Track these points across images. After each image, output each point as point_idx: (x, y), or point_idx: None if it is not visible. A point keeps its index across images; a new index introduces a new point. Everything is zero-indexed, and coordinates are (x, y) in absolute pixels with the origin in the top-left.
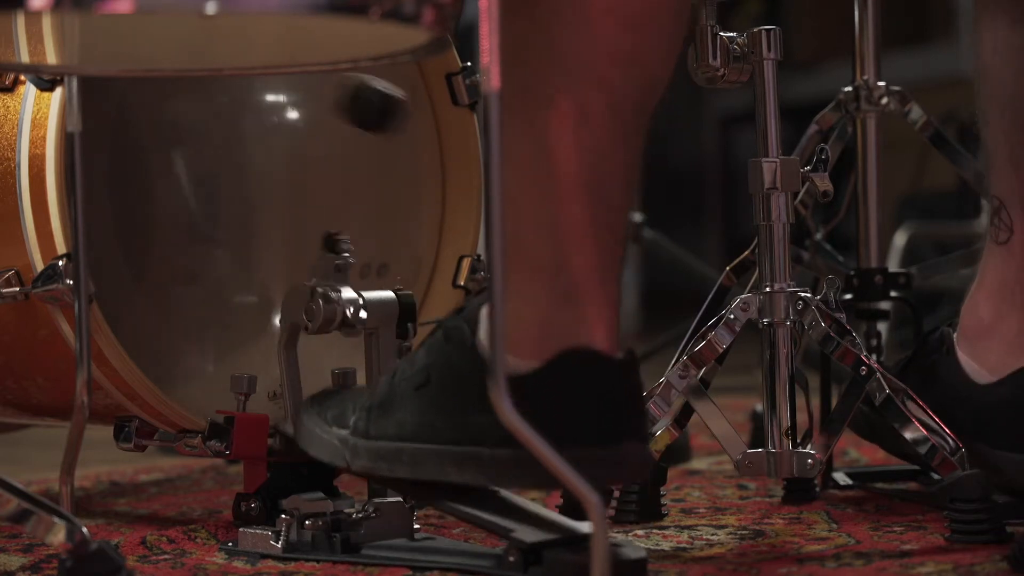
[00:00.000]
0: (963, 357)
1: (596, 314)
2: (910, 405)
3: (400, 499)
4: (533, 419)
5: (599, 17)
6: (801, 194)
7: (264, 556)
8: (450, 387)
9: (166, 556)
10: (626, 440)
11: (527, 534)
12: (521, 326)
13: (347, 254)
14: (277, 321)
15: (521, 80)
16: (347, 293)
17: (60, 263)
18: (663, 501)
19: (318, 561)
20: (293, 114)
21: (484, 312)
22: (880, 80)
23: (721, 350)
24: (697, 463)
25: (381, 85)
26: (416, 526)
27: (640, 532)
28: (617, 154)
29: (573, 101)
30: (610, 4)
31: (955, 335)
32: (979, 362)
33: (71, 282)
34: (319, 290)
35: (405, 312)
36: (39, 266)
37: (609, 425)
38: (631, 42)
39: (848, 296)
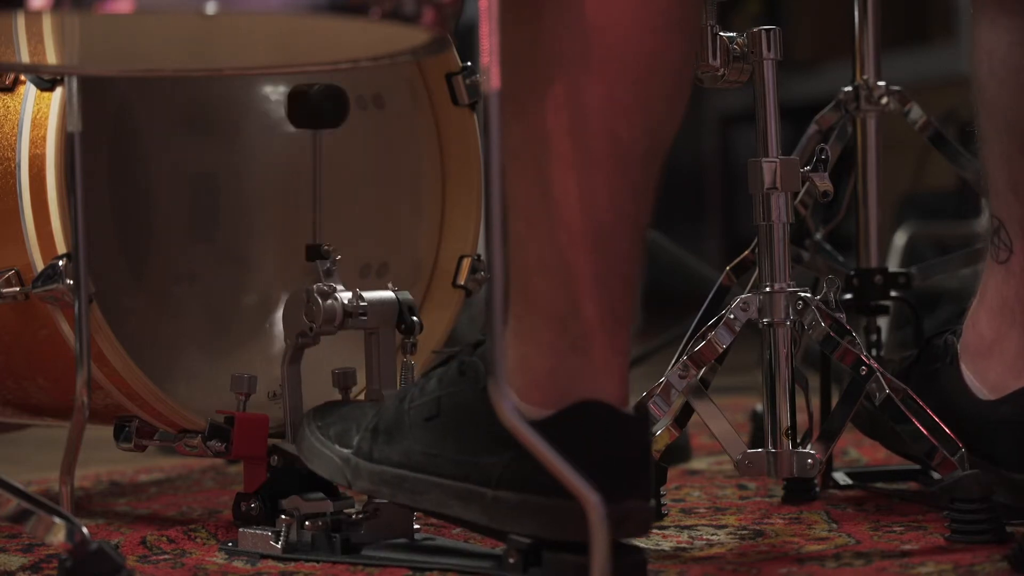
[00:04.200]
0: (965, 372)
1: (605, 362)
2: (910, 405)
3: None
4: (539, 467)
5: (602, 69)
6: (801, 194)
7: (264, 556)
8: (460, 424)
9: (166, 556)
10: (629, 498)
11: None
12: (530, 373)
13: (333, 257)
14: (278, 321)
15: (525, 127)
16: (343, 290)
17: (60, 263)
18: (663, 501)
19: (318, 561)
20: None
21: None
22: (880, 80)
23: (721, 350)
24: (697, 463)
25: (317, 84)
26: (416, 526)
27: None
28: (625, 202)
29: (577, 148)
30: (613, 56)
31: (958, 346)
32: (980, 380)
33: (71, 282)
34: (315, 289)
35: (404, 311)
36: (39, 266)
37: (613, 482)
38: (634, 95)
39: (848, 296)
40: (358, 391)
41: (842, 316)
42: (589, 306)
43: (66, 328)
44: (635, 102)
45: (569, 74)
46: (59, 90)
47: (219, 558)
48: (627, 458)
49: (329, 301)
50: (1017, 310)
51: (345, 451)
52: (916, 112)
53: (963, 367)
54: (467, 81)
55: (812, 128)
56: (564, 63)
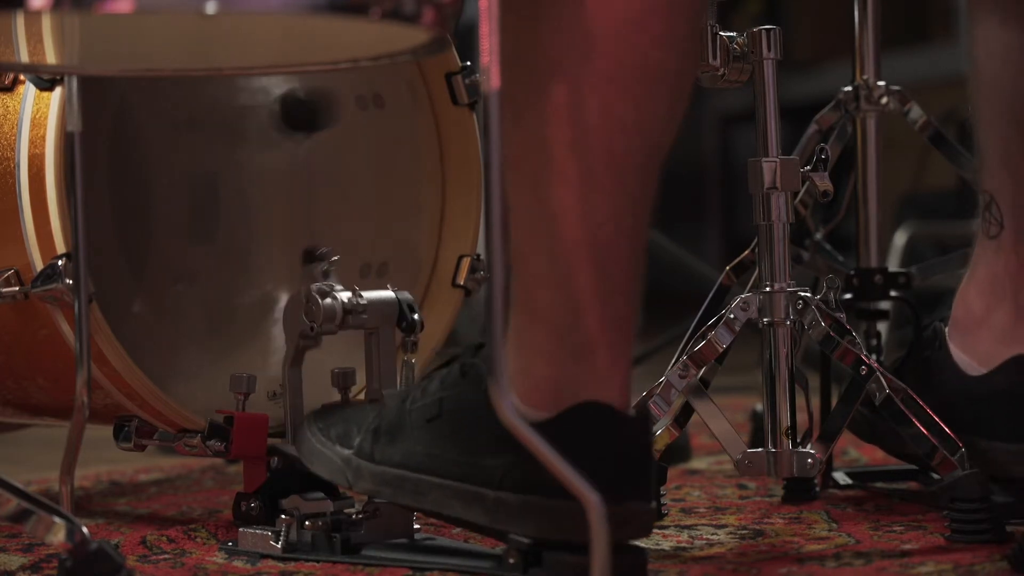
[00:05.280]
0: (955, 350)
1: (608, 369)
2: (910, 405)
3: None
4: (541, 468)
5: (601, 85)
6: (801, 194)
7: (264, 556)
8: (462, 425)
9: (166, 556)
10: (631, 499)
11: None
12: (533, 379)
13: (330, 259)
14: (277, 321)
15: (524, 139)
16: (342, 289)
17: (60, 263)
18: (663, 501)
19: (318, 561)
20: None
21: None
22: (880, 80)
23: (721, 350)
24: (697, 463)
25: (303, 89)
26: (416, 526)
27: None
28: (623, 216)
29: (575, 161)
30: (612, 72)
31: (947, 329)
32: (970, 354)
33: (71, 282)
34: (314, 289)
35: (405, 309)
36: (39, 266)
37: (614, 483)
38: (632, 109)
39: (848, 296)
40: (358, 391)
41: (842, 316)
42: (590, 317)
43: (66, 328)
44: (634, 116)
45: (568, 85)
46: (59, 90)
47: (219, 558)
48: (628, 459)
49: (328, 300)
50: (1007, 284)
51: (346, 452)
52: (916, 112)
53: (952, 346)
54: (467, 81)
55: (812, 128)
56: (563, 73)
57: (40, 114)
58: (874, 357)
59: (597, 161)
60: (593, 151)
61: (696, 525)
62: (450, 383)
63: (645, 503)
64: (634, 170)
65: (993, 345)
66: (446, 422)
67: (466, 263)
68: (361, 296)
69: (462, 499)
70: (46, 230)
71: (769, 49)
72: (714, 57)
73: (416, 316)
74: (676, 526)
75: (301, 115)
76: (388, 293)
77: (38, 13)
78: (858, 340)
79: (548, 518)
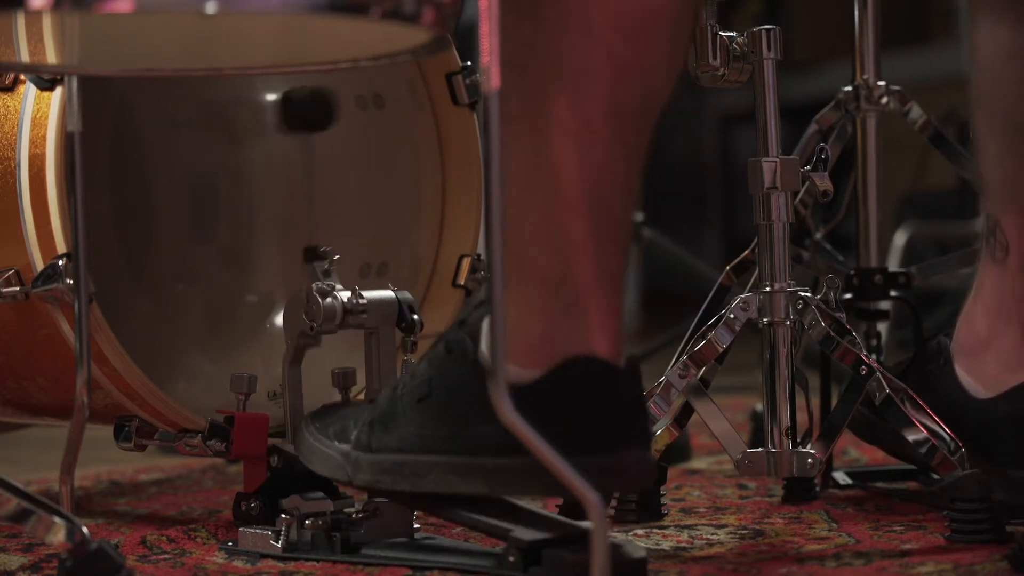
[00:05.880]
0: (960, 371)
1: (599, 323)
2: (910, 405)
3: None
4: (535, 428)
5: (602, 28)
6: (801, 194)
7: (264, 556)
8: (452, 399)
9: (166, 556)
10: (627, 448)
11: (526, 534)
12: (523, 336)
13: (331, 258)
14: (278, 321)
15: (522, 90)
16: (342, 289)
17: (60, 263)
18: (663, 501)
19: (318, 561)
20: None
21: (486, 324)
22: (880, 80)
23: (721, 350)
24: (697, 463)
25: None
26: (416, 526)
27: (640, 532)
28: (619, 166)
29: (574, 112)
30: (613, 15)
31: (951, 347)
32: (975, 377)
33: (71, 282)
34: (314, 288)
35: (405, 309)
36: (39, 266)
37: (610, 433)
38: (633, 54)
39: (848, 296)
40: (358, 391)
41: (842, 316)
42: (583, 271)
43: (66, 328)
44: (634, 62)
45: (568, 33)
46: (59, 90)
47: (219, 558)
48: (621, 409)
49: (328, 300)
50: (1014, 308)
51: (344, 446)
52: (916, 112)
53: (957, 367)
54: (467, 81)
55: (812, 128)
56: (563, 21)
57: (41, 114)
58: (874, 357)
59: (597, 111)
60: (594, 101)
61: (696, 525)
62: (437, 362)
63: (642, 451)
64: (632, 118)
65: (999, 370)
66: (436, 400)
67: (466, 263)
68: (361, 296)
69: (460, 473)
70: (46, 230)
71: (769, 49)
72: (714, 57)
73: (416, 316)
74: (676, 526)
75: (302, 115)
76: (388, 293)
77: (38, 13)
78: (858, 340)
79: (551, 477)
